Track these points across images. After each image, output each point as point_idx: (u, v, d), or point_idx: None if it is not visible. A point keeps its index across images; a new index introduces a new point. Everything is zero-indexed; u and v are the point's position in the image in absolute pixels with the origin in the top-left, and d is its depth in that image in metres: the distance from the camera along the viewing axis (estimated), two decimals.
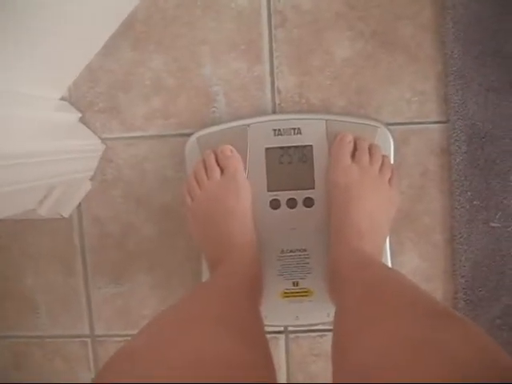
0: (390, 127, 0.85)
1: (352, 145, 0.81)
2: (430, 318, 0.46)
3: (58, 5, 0.67)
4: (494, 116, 0.84)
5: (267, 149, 0.84)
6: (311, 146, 0.84)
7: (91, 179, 0.92)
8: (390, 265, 0.86)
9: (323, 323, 0.89)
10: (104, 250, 0.94)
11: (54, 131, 0.80)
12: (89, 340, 0.98)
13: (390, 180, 0.81)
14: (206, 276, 0.88)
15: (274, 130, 0.84)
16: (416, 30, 0.85)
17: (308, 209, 0.84)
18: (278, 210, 0.85)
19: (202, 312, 0.56)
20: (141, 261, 0.94)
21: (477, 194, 0.85)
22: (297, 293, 0.85)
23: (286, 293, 0.86)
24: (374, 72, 0.86)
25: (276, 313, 0.86)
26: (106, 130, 0.91)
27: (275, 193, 0.85)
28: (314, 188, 0.84)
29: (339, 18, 0.86)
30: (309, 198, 0.84)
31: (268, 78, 0.88)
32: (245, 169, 0.83)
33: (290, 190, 0.85)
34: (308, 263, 0.85)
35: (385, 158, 0.81)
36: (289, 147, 0.84)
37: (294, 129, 0.84)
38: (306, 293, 0.85)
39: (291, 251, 0.85)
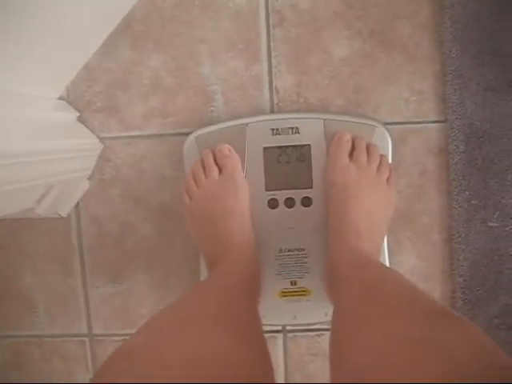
0: (388, 126, 0.85)
1: (350, 144, 0.81)
2: (428, 317, 0.46)
3: (56, 4, 0.66)
4: (492, 115, 0.84)
5: (265, 148, 0.84)
6: (309, 145, 0.84)
7: (89, 178, 0.92)
8: (387, 264, 0.86)
9: (321, 322, 0.89)
10: (102, 250, 0.94)
11: (52, 130, 0.80)
12: (87, 339, 0.98)
13: (387, 179, 0.81)
14: (204, 275, 0.88)
15: (272, 130, 0.84)
16: (414, 30, 0.85)
17: (306, 208, 0.84)
18: (276, 210, 0.85)
19: (200, 311, 0.56)
20: (139, 260, 0.94)
21: (475, 193, 0.85)
22: (295, 292, 0.85)
23: (283, 292, 0.86)
24: (372, 71, 0.86)
25: (274, 312, 0.86)
26: (104, 129, 0.91)
27: (273, 192, 0.85)
28: (311, 187, 0.84)
29: (337, 18, 0.85)
30: (307, 197, 0.84)
31: (266, 78, 0.87)
32: (243, 168, 0.83)
33: (288, 189, 0.84)
34: (306, 262, 0.85)
35: (383, 157, 0.81)
36: (287, 146, 0.84)
37: (292, 128, 0.84)
38: (303, 292, 0.85)
39: (289, 250, 0.85)
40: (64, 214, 0.90)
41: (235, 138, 0.84)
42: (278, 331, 0.95)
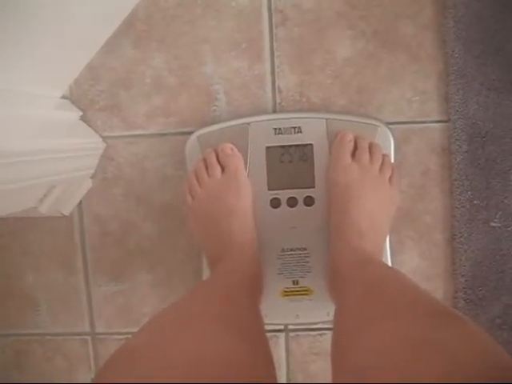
0: (391, 126, 0.85)
1: (352, 144, 0.81)
2: (430, 317, 0.46)
3: (59, 3, 0.66)
4: (495, 115, 0.84)
5: (268, 147, 0.84)
6: (312, 144, 0.84)
7: (92, 177, 0.92)
8: (390, 264, 0.86)
9: (323, 322, 0.89)
10: (104, 248, 0.94)
11: (55, 129, 0.80)
12: (89, 338, 0.98)
13: (390, 179, 0.81)
14: (206, 274, 0.88)
15: (275, 129, 0.84)
16: (417, 30, 0.85)
17: (308, 208, 0.84)
18: (278, 209, 0.85)
19: (203, 310, 0.56)
20: (141, 259, 0.94)
21: (477, 193, 0.85)
22: (297, 291, 0.85)
23: (286, 291, 0.86)
24: (374, 71, 0.86)
25: (276, 311, 0.85)
26: (107, 129, 0.91)
27: (276, 191, 0.85)
28: (314, 187, 0.84)
29: (340, 18, 0.85)
30: (309, 196, 0.84)
31: (269, 77, 0.87)
32: (245, 167, 0.83)
33: (291, 188, 0.84)
34: (308, 262, 0.85)
35: (385, 156, 0.81)
36: (289, 146, 0.84)
37: (295, 128, 0.84)
38: (305, 291, 0.85)
39: (291, 250, 0.85)
40: (67, 212, 0.90)
41: (238, 137, 0.84)
42: (280, 330, 0.95)
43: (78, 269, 0.96)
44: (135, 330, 0.51)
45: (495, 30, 0.82)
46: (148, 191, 0.92)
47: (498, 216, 0.86)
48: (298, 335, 0.94)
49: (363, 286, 0.61)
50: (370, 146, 0.81)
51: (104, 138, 0.91)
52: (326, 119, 0.84)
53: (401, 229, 0.89)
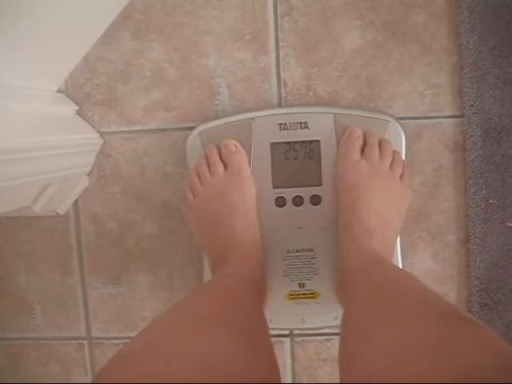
0: (402, 121, 0.85)
1: (361, 140, 0.81)
2: (442, 319, 0.46)
3: None
4: None
5: (272, 144, 0.84)
6: (318, 140, 0.84)
7: (88, 175, 0.92)
8: (400, 266, 0.86)
9: (330, 326, 0.89)
10: (102, 249, 0.95)
11: (50, 125, 0.80)
12: (85, 342, 0.99)
13: (401, 177, 0.80)
14: (207, 276, 0.88)
15: (280, 124, 0.84)
16: (429, 20, 0.85)
17: (315, 207, 0.84)
18: (283, 208, 0.85)
19: (204, 313, 0.56)
20: (140, 260, 0.94)
21: (493, 192, 0.85)
22: (303, 295, 0.86)
23: (291, 294, 0.86)
24: (384, 63, 0.86)
25: (281, 315, 0.86)
26: (104, 124, 0.91)
27: (281, 190, 0.85)
28: (321, 185, 0.84)
29: (348, 7, 0.85)
30: (316, 195, 0.84)
31: (274, 70, 0.87)
32: (249, 165, 0.83)
33: (297, 186, 0.84)
34: (314, 264, 0.85)
35: (396, 153, 0.81)
36: (295, 142, 0.84)
37: (301, 123, 0.84)
38: (312, 295, 0.85)
39: (297, 251, 0.85)
40: (62, 212, 0.91)
41: (241, 132, 0.84)
42: (285, 335, 0.95)
43: (74, 270, 0.96)
44: (133, 334, 0.51)
45: (511, 19, 0.82)
46: (147, 189, 0.92)
47: None
48: (303, 340, 0.94)
49: (372, 288, 0.61)
50: (380, 142, 0.81)
51: (101, 134, 0.91)
52: (334, 114, 0.84)
53: (412, 229, 0.89)
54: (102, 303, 0.97)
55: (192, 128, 0.87)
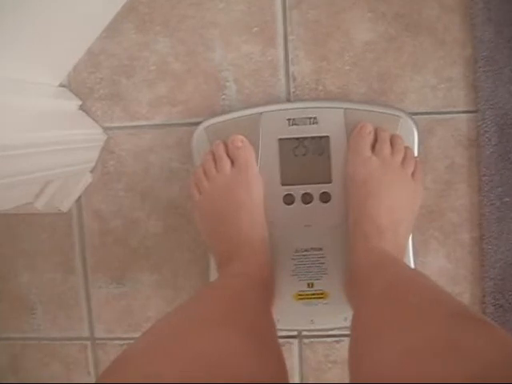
0: (414, 117, 0.84)
1: (372, 135, 0.81)
2: (455, 320, 0.46)
3: None
4: None
5: (281, 139, 0.84)
6: (328, 136, 0.84)
7: (92, 171, 0.93)
8: (412, 265, 0.86)
9: (340, 328, 0.89)
10: (105, 247, 0.95)
11: (52, 120, 0.80)
12: (88, 343, 0.99)
13: (413, 174, 0.80)
14: (214, 275, 0.88)
15: (289, 120, 0.84)
16: (442, 12, 0.84)
17: (324, 204, 0.84)
18: (291, 206, 0.85)
19: (211, 313, 0.56)
20: (145, 259, 0.94)
21: (508, 189, 0.85)
22: (312, 295, 0.86)
23: (300, 295, 0.86)
24: (396, 57, 0.86)
25: (289, 316, 0.86)
26: (108, 119, 0.91)
27: (289, 187, 0.85)
28: (330, 182, 0.84)
29: None
30: (325, 192, 0.84)
31: (282, 63, 0.88)
32: (256, 161, 0.83)
33: (305, 184, 0.84)
34: (324, 263, 0.85)
35: (408, 149, 0.81)
36: (304, 138, 0.84)
37: (310, 118, 0.84)
38: (321, 295, 0.85)
39: (306, 250, 0.85)
40: (65, 209, 0.91)
41: (248, 128, 0.84)
42: (293, 337, 0.95)
43: (77, 269, 0.96)
44: (137, 334, 0.51)
45: None
46: (152, 186, 0.92)
47: None
48: (312, 342, 0.95)
49: (383, 287, 0.61)
50: (392, 138, 0.81)
51: (105, 129, 0.91)
52: (344, 109, 0.83)
53: (424, 228, 0.89)
54: (105, 303, 0.97)
55: (198, 123, 0.87)
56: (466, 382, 0.36)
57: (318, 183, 0.84)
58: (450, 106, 0.86)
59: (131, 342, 0.50)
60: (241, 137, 0.82)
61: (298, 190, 0.84)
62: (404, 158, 0.80)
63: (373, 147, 0.81)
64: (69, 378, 1.00)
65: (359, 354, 0.53)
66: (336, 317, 0.85)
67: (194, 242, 0.93)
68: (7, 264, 0.98)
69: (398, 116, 0.83)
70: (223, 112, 0.87)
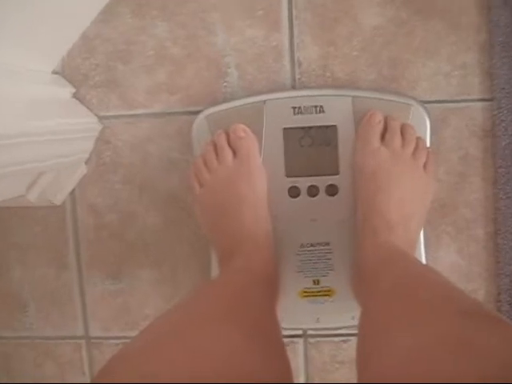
0: (426, 105, 0.84)
1: (382, 125, 0.81)
2: (468, 318, 0.46)
3: None
4: None
5: (285, 129, 0.84)
6: (335, 126, 0.83)
7: (86, 162, 0.93)
8: (423, 261, 0.86)
9: (347, 327, 0.89)
10: (101, 242, 0.95)
11: (45, 108, 0.80)
12: (83, 342, 0.99)
13: (425, 165, 0.80)
14: (215, 271, 0.88)
15: (294, 108, 0.84)
16: None
17: (331, 197, 0.84)
18: (297, 199, 0.85)
19: (211, 311, 0.56)
20: (142, 254, 0.94)
21: None
22: (318, 292, 0.86)
23: (305, 292, 0.86)
24: (407, 42, 0.86)
25: (294, 314, 0.86)
26: (104, 107, 0.91)
27: (294, 179, 0.85)
28: (338, 174, 0.84)
29: None
30: (332, 185, 0.84)
31: (287, 49, 0.87)
32: (260, 151, 0.83)
33: (311, 175, 0.84)
34: (330, 259, 0.85)
35: (419, 140, 0.81)
36: (310, 127, 0.84)
37: (316, 106, 0.84)
38: (327, 292, 0.86)
39: (312, 245, 0.85)
40: (58, 202, 0.91)
41: (251, 117, 0.84)
42: (298, 336, 0.95)
43: (71, 265, 0.97)
44: (134, 333, 0.51)
45: None
46: (150, 178, 0.92)
47: None
48: (318, 341, 0.95)
49: (392, 283, 0.61)
50: (402, 128, 0.81)
51: (100, 118, 0.91)
52: (352, 97, 0.83)
53: (436, 222, 0.89)
54: (100, 300, 0.97)
55: (198, 112, 0.86)
56: (479, 381, 0.36)
57: (325, 175, 0.84)
58: (464, 93, 0.86)
59: (128, 341, 0.50)
60: (243, 126, 0.82)
61: (303, 183, 0.85)
62: (415, 149, 0.80)
63: (382, 137, 0.81)
64: (63, 379, 1.00)
65: (367, 352, 0.53)
66: (343, 315, 0.85)
67: (194, 236, 0.93)
68: None
69: (409, 104, 0.83)
70: (225, 100, 0.87)
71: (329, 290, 0.85)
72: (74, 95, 0.91)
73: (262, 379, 0.46)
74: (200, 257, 0.93)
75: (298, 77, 0.87)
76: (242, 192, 0.80)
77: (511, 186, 0.85)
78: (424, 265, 0.80)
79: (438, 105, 0.86)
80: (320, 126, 0.83)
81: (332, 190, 0.84)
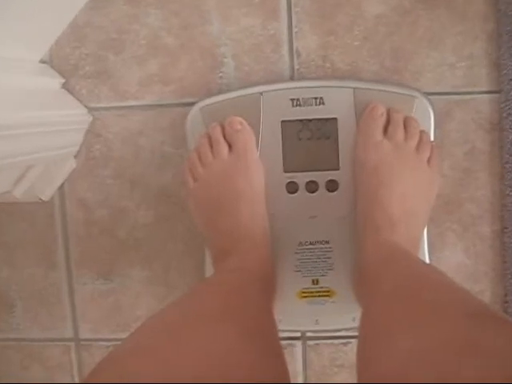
0: (430, 97, 0.84)
1: (384, 118, 0.81)
2: (473, 319, 0.46)
3: None
4: None
5: (283, 122, 0.84)
6: (336, 118, 0.83)
7: (76, 156, 0.92)
8: (427, 260, 0.86)
9: (348, 329, 0.89)
10: (91, 240, 0.95)
11: (32, 100, 0.80)
12: (72, 344, 0.99)
13: (428, 160, 0.80)
14: (209, 270, 0.88)
15: (292, 100, 0.84)
16: None
17: (331, 193, 0.84)
18: (295, 195, 0.85)
19: (206, 311, 0.56)
20: (134, 252, 0.94)
21: None
22: (317, 292, 0.86)
23: (304, 292, 0.86)
24: (411, 31, 0.86)
25: (292, 316, 0.86)
26: (94, 99, 0.91)
27: (292, 174, 0.85)
28: (338, 169, 0.84)
29: None
30: (332, 180, 0.84)
31: (286, 38, 0.87)
32: (257, 145, 0.83)
33: (310, 170, 0.84)
34: (330, 258, 0.85)
35: (423, 133, 0.81)
36: (309, 120, 0.84)
37: (316, 98, 0.84)
38: (327, 292, 0.86)
39: (310, 243, 0.85)
40: (46, 197, 0.91)
41: (248, 109, 0.84)
42: (296, 338, 0.95)
43: (60, 263, 0.96)
44: (125, 335, 0.51)
45: None
46: (142, 173, 0.92)
47: None
48: (317, 344, 0.95)
49: (394, 283, 0.61)
50: (406, 121, 0.81)
51: (90, 110, 0.91)
52: (354, 88, 0.83)
53: (441, 219, 0.89)
54: (90, 300, 0.97)
55: (193, 104, 0.86)
56: (485, 383, 0.36)
57: (325, 170, 0.84)
58: (471, 85, 0.86)
59: (118, 343, 0.50)
60: (239, 119, 0.82)
61: (302, 178, 0.85)
62: (419, 143, 0.80)
63: (385, 130, 0.80)
64: (50, 382, 1.00)
65: (367, 354, 0.53)
66: (343, 316, 0.85)
67: (188, 233, 0.93)
68: None
69: (412, 96, 0.83)
70: (220, 91, 0.87)
71: (328, 291, 0.85)
72: (63, 86, 0.91)
73: (259, 379, 0.46)
74: (194, 254, 0.93)
75: (296, 67, 0.87)
76: (239, 187, 0.80)
77: None
78: (427, 264, 0.80)
79: (443, 97, 0.86)
80: (320, 119, 0.83)
81: (332, 186, 0.84)
